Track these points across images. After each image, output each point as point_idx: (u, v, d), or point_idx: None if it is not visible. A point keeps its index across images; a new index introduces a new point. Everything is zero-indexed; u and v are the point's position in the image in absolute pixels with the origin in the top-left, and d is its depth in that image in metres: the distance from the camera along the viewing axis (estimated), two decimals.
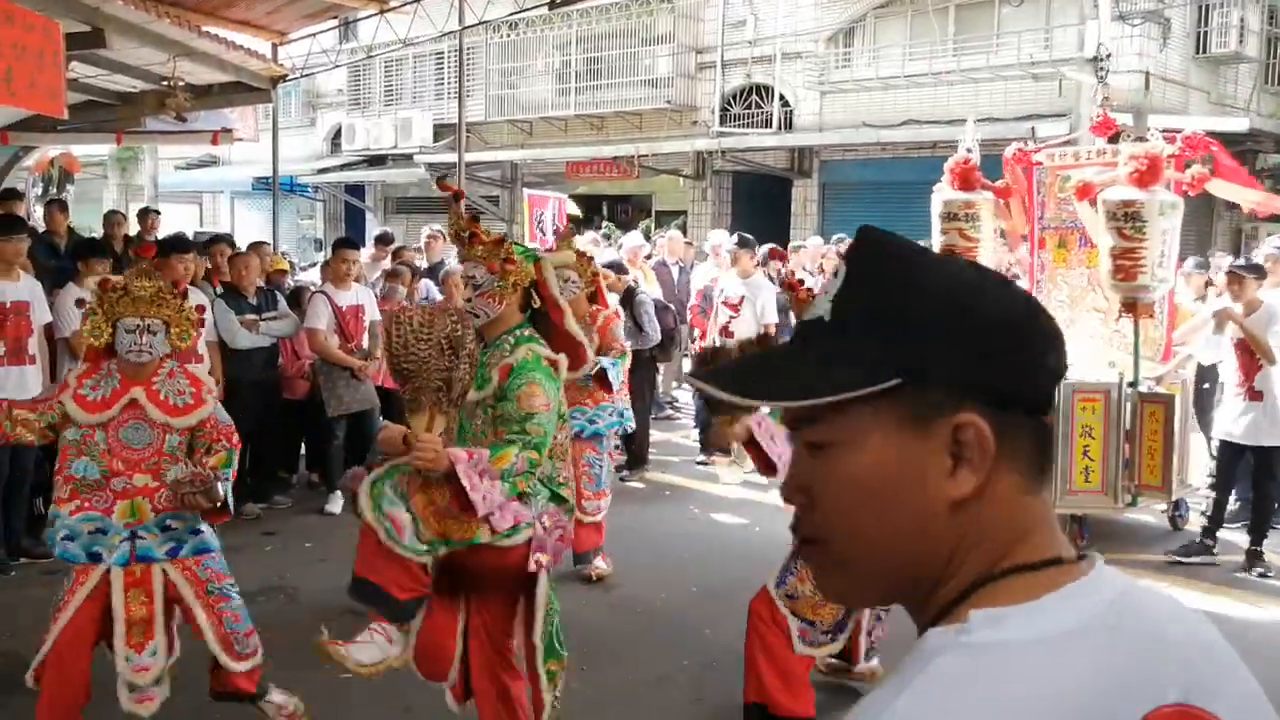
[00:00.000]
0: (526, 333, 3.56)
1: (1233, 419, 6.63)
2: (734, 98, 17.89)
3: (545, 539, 3.49)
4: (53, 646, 3.66)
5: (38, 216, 10.90)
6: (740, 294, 8.74)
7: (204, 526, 3.80)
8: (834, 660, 4.69)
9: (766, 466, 3.64)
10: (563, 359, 3.56)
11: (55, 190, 15.21)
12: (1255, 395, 6.51)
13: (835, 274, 0.93)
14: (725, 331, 8.62)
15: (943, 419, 0.86)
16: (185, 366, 3.94)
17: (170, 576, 3.77)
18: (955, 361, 0.86)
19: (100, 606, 3.74)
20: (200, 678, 3.96)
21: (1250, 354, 6.52)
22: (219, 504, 3.63)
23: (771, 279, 9.34)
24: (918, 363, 0.86)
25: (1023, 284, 6.45)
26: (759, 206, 18.13)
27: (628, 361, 6.36)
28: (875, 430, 0.87)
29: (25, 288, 6.26)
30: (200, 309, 4.03)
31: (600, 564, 6.07)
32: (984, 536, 0.87)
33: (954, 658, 0.81)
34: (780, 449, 3.53)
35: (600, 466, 6.08)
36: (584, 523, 5.70)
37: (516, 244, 3.73)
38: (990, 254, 7.14)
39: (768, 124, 17.23)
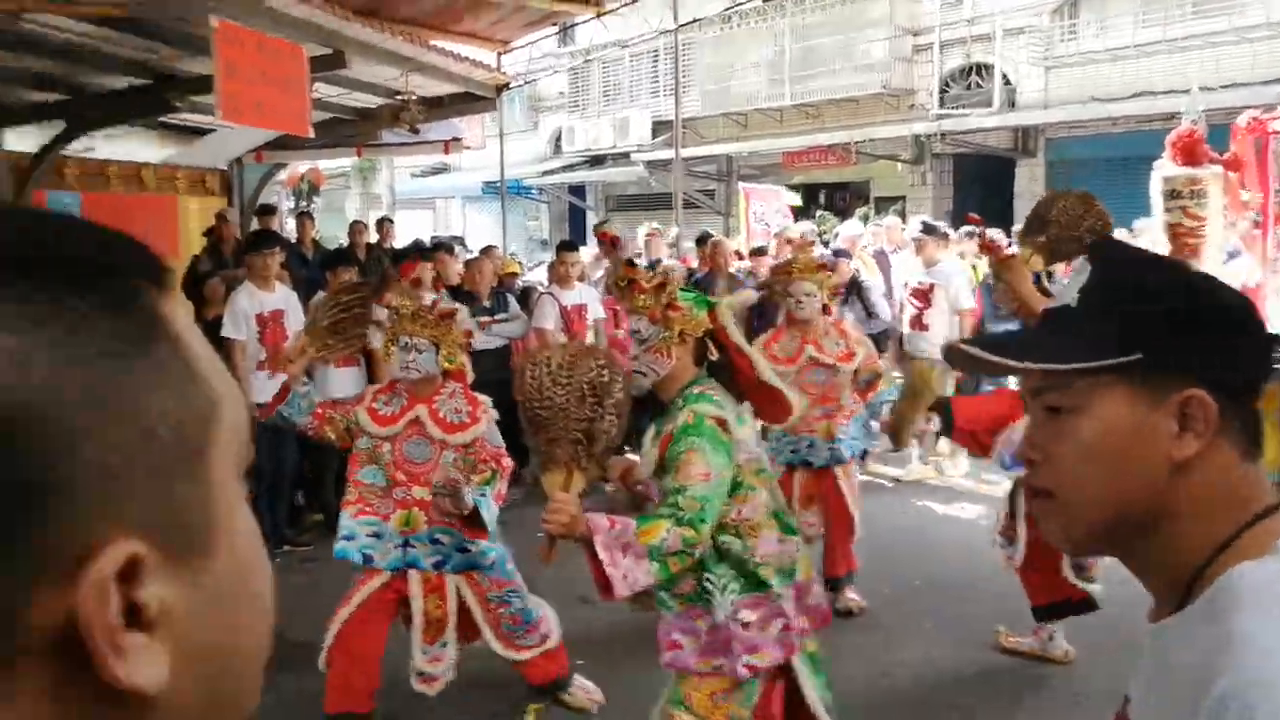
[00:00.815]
0: (697, 390, 3.08)
1: None
2: (952, 78, 17.38)
3: (754, 637, 3.00)
4: (339, 632, 3.97)
5: (290, 228, 11.72)
6: (929, 283, 8.16)
7: (471, 546, 3.96)
8: (1019, 640, 4.85)
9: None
10: (736, 417, 3.07)
11: (305, 203, 16.35)
12: None
13: (1078, 270, 1.11)
14: (917, 324, 8.12)
15: (1172, 394, 1.01)
16: (468, 389, 4.10)
17: (459, 586, 4.03)
18: (1184, 348, 1.02)
19: (390, 601, 4.03)
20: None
21: None
22: (465, 513, 3.78)
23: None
24: (1154, 345, 1.02)
25: (1246, 262, 6.01)
26: (981, 189, 17.54)
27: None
28: (1110, 399, 1.03)
29: (281, 297, 6.80)
30: (468, 332, 4.21)
31: (853, 595, 5.65)
32: (1220, 496, 1.02)
33: None
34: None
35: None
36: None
37: (685, 289, 3.36)
38: (1219, 233, 6.60)
39: (989, 104, 16.65)
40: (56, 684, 0.48)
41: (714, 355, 3.20)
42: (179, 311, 0.54)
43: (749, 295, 4.07)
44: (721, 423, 2.98)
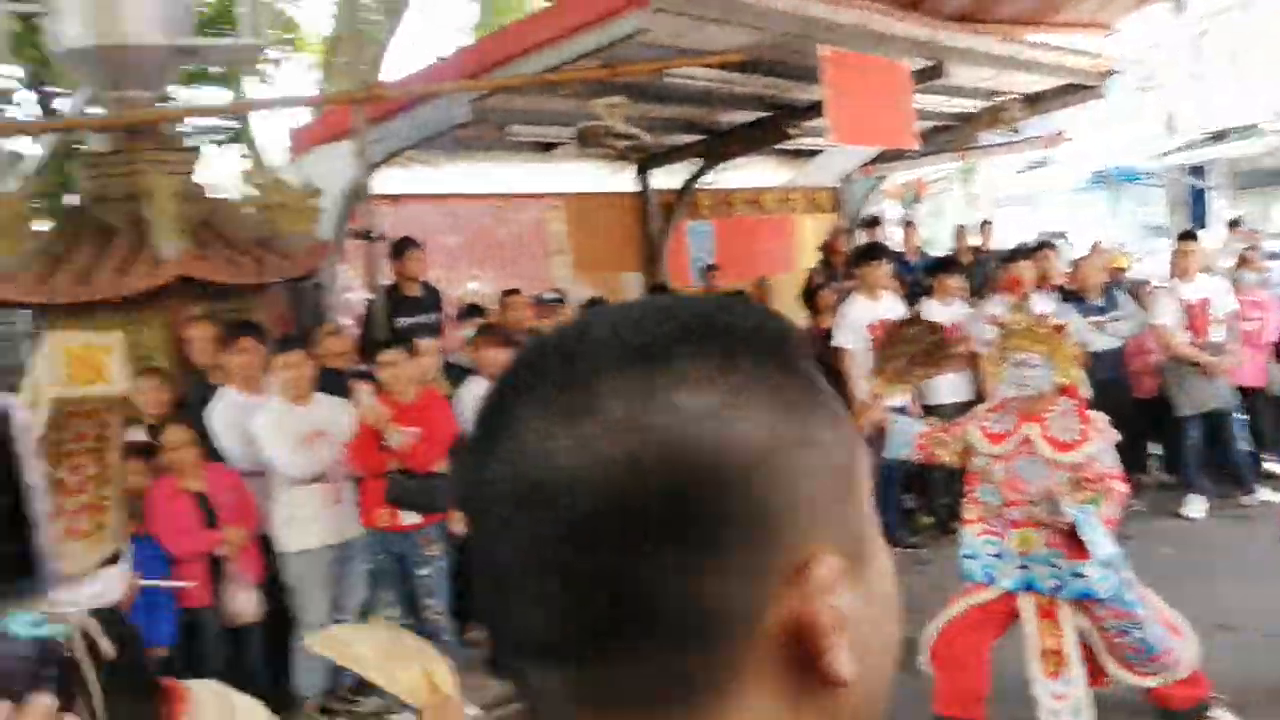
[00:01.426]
0: None
1: None
2: None
3: None
4: (939, 637, 4.08)
5: (896, 237, 12.10)
6: None
7: (1087, 570, 3.72)
8: None
9: None
10: None
11: (908, 210, 16.75)
12: None
13: None
14: None
15: None
16: (1084, 408, 3.98)
17: (1073, 614, 3.90)
18: None
19: (1000, 614, 4.03)
20: None
21: None
22: (1062, 525, 3.66)
23: None
24: None
25: None
26: None
27: None
28: None
29: (888, 306, 7.08)
30: (1084, 347, 4.11)
31: None
32: None
33: None
34: None
35: None
36: None
37: None
38: None
39: None
40: (783, 675, 0.57)
41: None
42: (818, 370, 0.67)
43: None
44: None
